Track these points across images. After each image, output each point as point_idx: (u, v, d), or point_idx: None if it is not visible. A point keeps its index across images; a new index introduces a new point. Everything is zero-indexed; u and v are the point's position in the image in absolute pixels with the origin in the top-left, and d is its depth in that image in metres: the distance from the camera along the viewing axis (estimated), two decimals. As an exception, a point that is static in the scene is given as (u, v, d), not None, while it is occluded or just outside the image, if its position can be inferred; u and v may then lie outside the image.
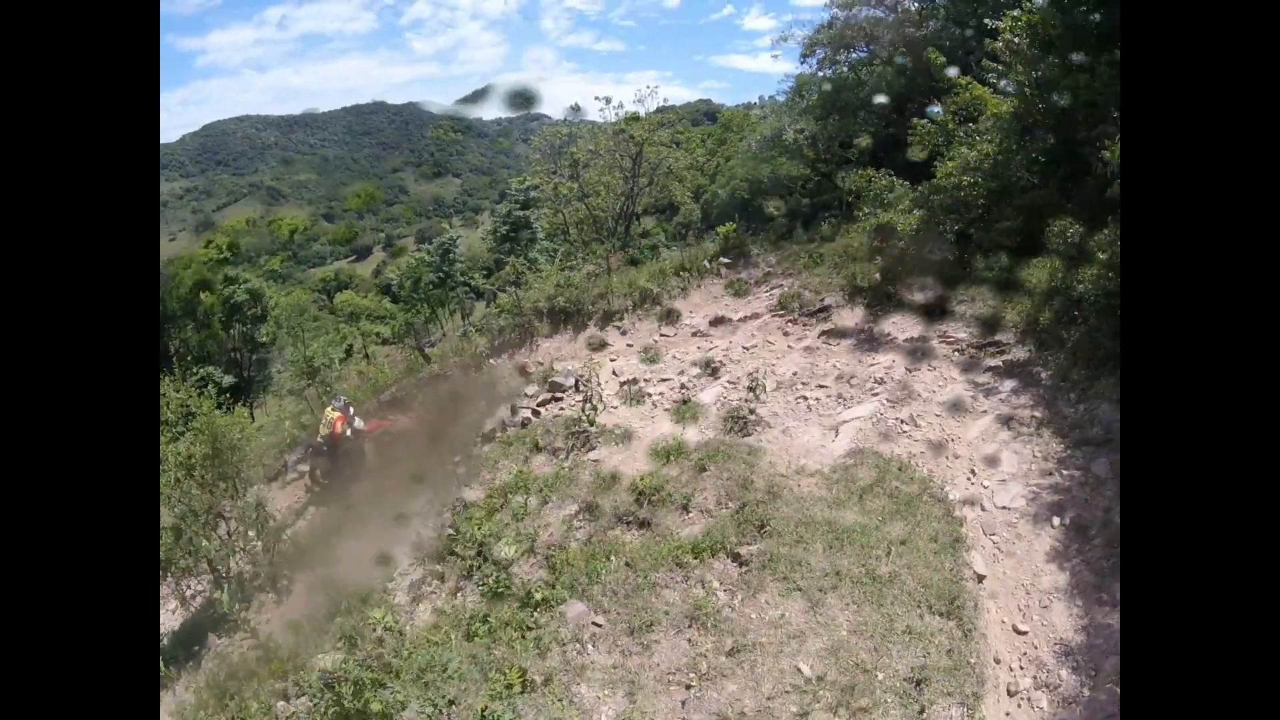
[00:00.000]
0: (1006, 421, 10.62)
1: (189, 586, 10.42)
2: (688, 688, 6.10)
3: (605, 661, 6.48)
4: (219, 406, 11.32)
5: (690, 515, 8.79)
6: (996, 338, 12.58)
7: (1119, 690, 6.37)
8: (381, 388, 17.41)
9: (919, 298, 11.95)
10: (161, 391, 11.03)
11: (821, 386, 11.36)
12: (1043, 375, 11.43)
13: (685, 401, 11.46)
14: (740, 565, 7.60)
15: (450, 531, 9.25)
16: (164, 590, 10.32)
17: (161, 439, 10.35)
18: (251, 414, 14.98)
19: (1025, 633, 7.43)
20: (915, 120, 13.07)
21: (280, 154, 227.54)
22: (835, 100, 19.56)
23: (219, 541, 10.27)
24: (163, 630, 10.35)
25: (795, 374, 11.60)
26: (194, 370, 14.19)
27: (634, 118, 24.42)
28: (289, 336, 31.16)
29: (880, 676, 6.22)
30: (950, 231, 10.95)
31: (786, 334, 13.39)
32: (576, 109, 27.40)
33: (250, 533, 10.57)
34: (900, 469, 9.34)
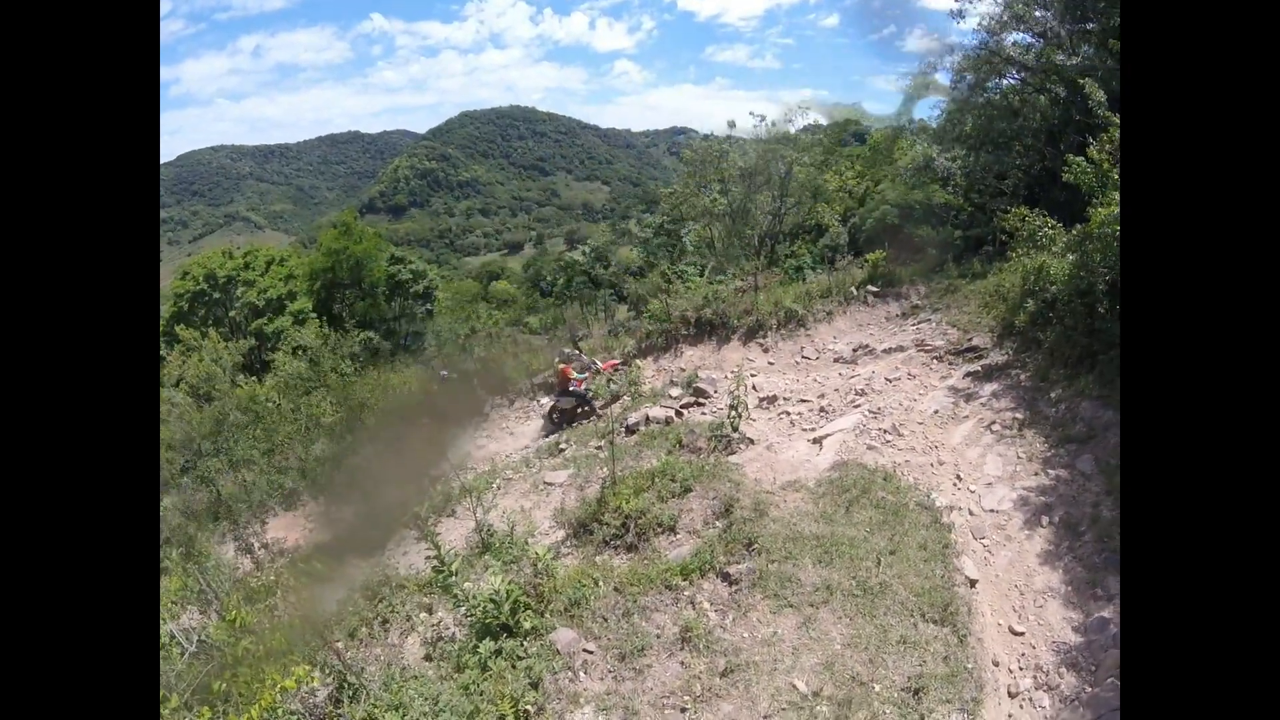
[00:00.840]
0: (989, 425, 10.76)
1: (340, 510, 12.01)
2: (683, 710, 6.02)
3: (598, 688, 6.38)
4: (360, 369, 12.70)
5: (678, 536, 8.83)
6: (974, 342, 13.05)
7: (1115, 682, 6.43)
8: (534, 371, 18.66)
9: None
10: (332, 343, 12.39)
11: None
12: (1022, 377, 11.66)
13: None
14: (730, 584, 7.54)
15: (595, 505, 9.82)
16: (315, 509, 12.16)
17: (298, 391, 11.89)
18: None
19: (1022, 634, 7.45)
20: (1069, 157, 12.89)
21: (256, 184, 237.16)
22: (989, 129, 19.15)
23: (373, 479, 11.65)
24: (306, 545, 11.81)
25: (937, 411, 11.72)
26: (356, 332, 16.11)
27: (785, 136, 24.60)
28: (448, 316, 33.95)
29: (877, 688, 6.19)
30: (1102, 281, 10.74)
31: (931, 369, 13.47)
32: (733, 124, 27.70)
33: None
34: (886, 479, 9.35)
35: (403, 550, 10.77)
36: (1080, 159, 12.49)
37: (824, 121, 30.86)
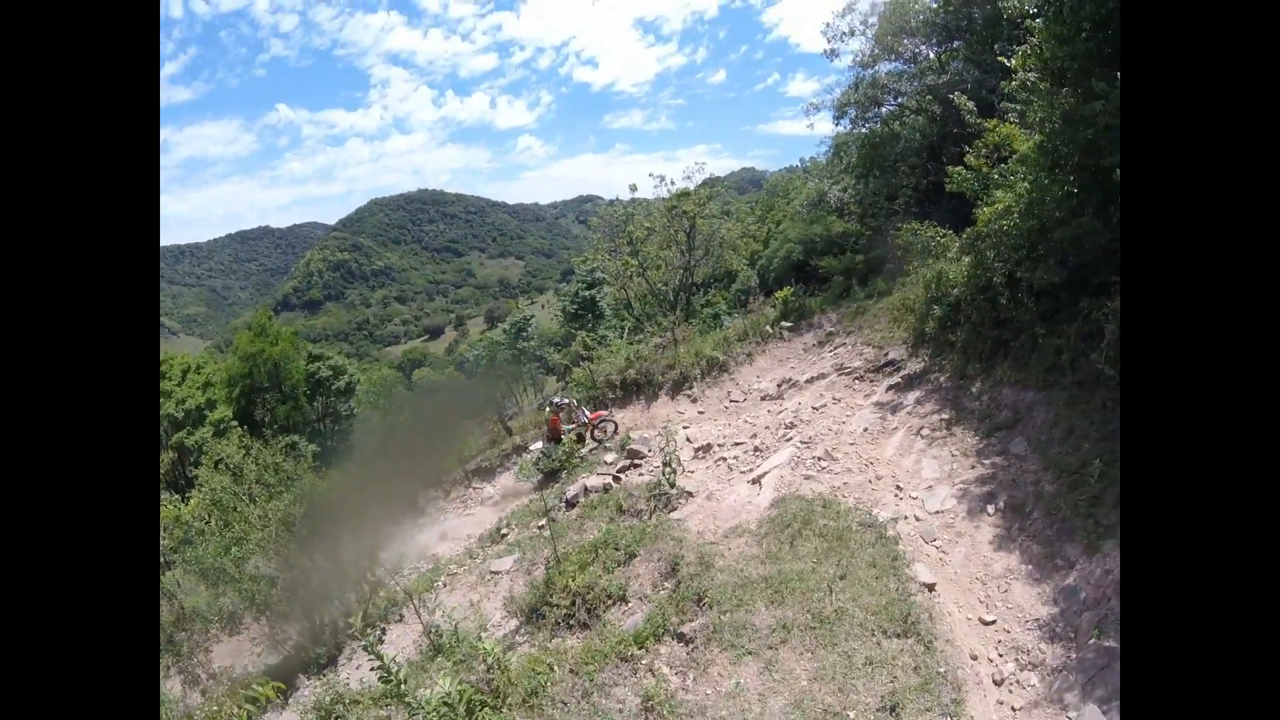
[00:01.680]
0: (918, 431, 11.00)
1: (283, 631, 11.54)
2: None
3: None
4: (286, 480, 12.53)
5: (629, 605, 8.62)
6: (890, 357, 13.42)
7: (1107, 645, 6.51)
8: (466, 458, 18.22)
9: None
10: (255, 454, 12.10)
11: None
12: (941, 380, 12.01)
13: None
14: (685, 643, 7.34)
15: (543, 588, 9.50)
16: (259, 631, 11.64)
17: (261, 498, 11.60)
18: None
19: (993, 621, 7.50)
20: (950, 169, 13.48)
21: (168, 288, 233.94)
22: (873, 156, 20.07)
23: (313, 592, 11.38)
24: (255, 668, 11.39)
25: (866, 429, 11.85)
26: (280, 438, 15.51)
27: (684, 194, 25.17)
28: (372, 409, 33.02)
29: (852, 715, 6.05)
30: (999, 275, 11.20)
31: (854, 389, 13.69)
32: (634, 189, 28.33)
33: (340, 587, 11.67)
34: (825, 505, 9.33)
35: (355, 664, 10.28)
36: (960, 168, 13.10)
37: (720, 174, 31.79)
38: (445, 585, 11.74)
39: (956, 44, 19.30)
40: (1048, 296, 10.61)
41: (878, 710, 6.05)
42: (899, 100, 20.17)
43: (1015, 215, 10.91)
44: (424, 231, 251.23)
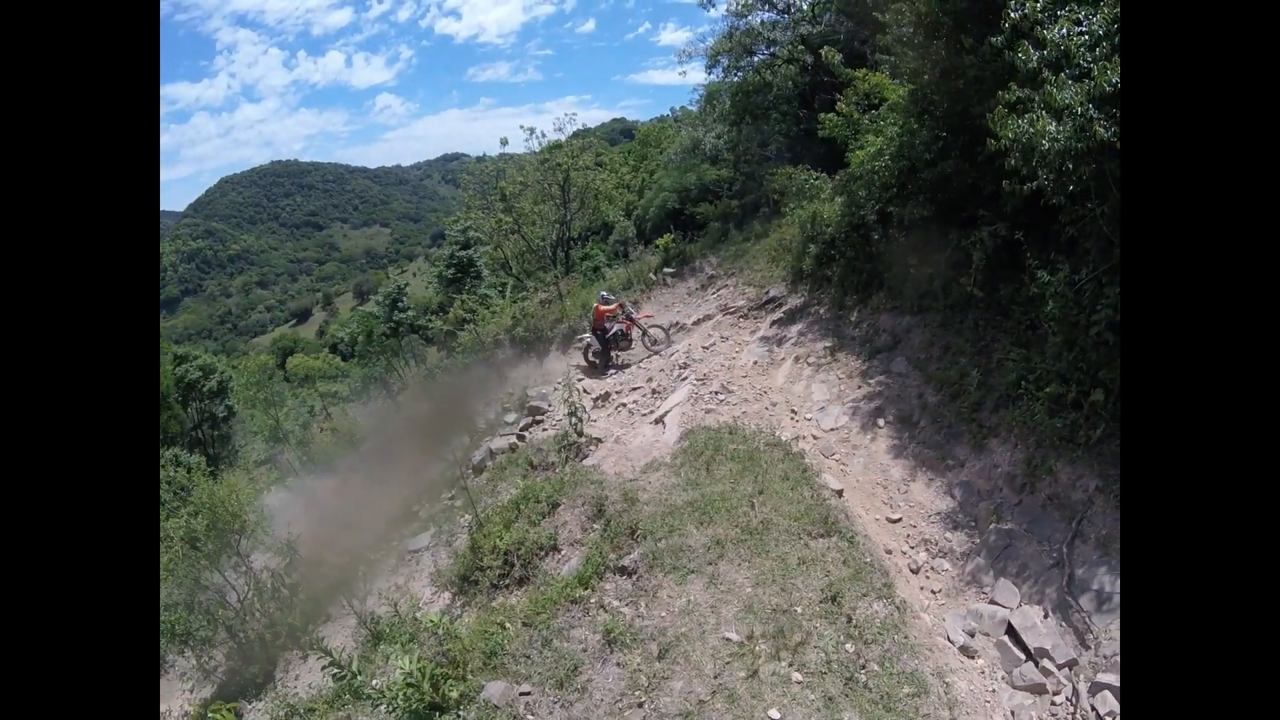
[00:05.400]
0: (805, 360, 11.90)
1: (211, 658, 10.80)
2: (639, 705, 6.01)
3: None
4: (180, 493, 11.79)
5: (562, 553, 8.78)
6: (771, 294, 14.28)
7: (1005, 528, 7.61)
8: (357, 440, 17.76)
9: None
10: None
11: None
12: (821, 312, 12.95)
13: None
14: (629, 575, 7.55)
15: (469, 554, 9.46)
16: (186, 664, 10.79)
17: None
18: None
19: (899, 519, 8.44)
20: (822, 115, 14.04)
21: None
22: (746, 104, 20.51)
23: (233, 611, 10.73)
24: (190, 707, 10.63)
25: (756, 362, 12.42)
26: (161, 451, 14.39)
27: (556, 146, 24.99)
28: (251, 407, 31.14)
29: (799, 610, 6.45)
30: (871, 212, 11.87)
31: (740, 327, 14.25)
32: (505, 143, 27.70)
33: (260, 599, 10.97)
34: (732, 432, 9.75)
35: (294, 674, 10.02)
36: (831, 115, 13.65)
37: (591, 126, 31.50)
38: (364, 575, 11.40)
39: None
40: (918, 230, 11.29)
41: (820, 602, 6.51)
42: (771, 49, 20.55)
43: (886, 157, 11.62)
44: (280, 207, 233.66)
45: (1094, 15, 7.35)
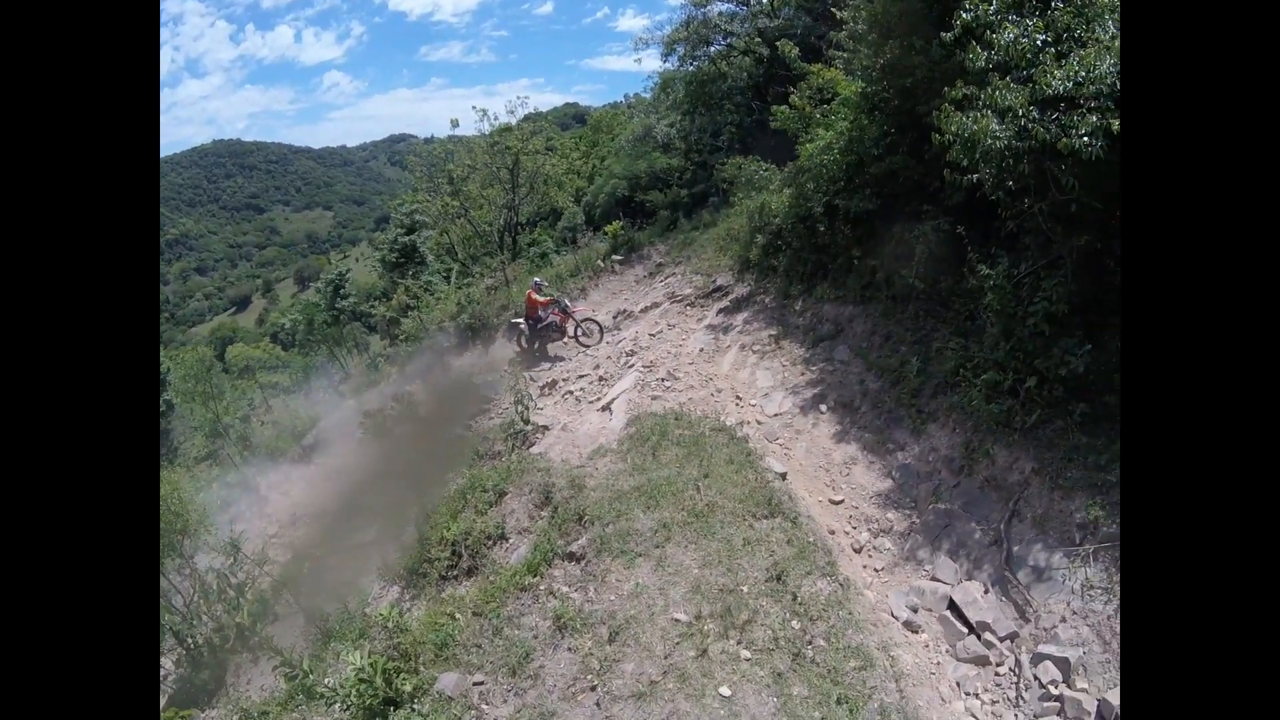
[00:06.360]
0: (750, 348, 12.17)
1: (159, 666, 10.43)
2: (593, 689, 6.04)
3: (506, 711, 6.23)
4: None
5: (510, 541, 8.77)
6: (718, 283, 14.55)
7: (943, 508, 7.99)
8: (301, 432, 17.40)
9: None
10: None
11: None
12: (766, 301, 13.27)
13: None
14: (577, 561, 7.60)
15: (417, 546, 9.39)
16: None
17: None
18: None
19: (841, 501, 8.75)
20: (775, 108, 14.21)
21: None
22: (700, 94, 20.65)
23: (179, 615, 10.43)
24: None
25: (702, 350, 12.56)
26: None
27: (507, 129, 24.51)
28: (190, 401, 30.15)
29: (745, 589, 6.57)
30: (819, 205, 12.08)
31: (687, 315, 14.39)
32: (456, 124, 27.13)
33: (206, 601, 10.69)
34: (677, 418, 9.86)
35: (245, 679, 9.79)
36: (784, 108, 13.83)
37: (544, 109, 31.13)
38: (308, 570, 11.32)
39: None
40: (863, 223, 11.58)
41: (766, 581, 6.64)
42: (728, 40, 20.76)
43: (836, 151, 11.85)
44: (221, 189, 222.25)
45: (1039, 21, 7.66)
